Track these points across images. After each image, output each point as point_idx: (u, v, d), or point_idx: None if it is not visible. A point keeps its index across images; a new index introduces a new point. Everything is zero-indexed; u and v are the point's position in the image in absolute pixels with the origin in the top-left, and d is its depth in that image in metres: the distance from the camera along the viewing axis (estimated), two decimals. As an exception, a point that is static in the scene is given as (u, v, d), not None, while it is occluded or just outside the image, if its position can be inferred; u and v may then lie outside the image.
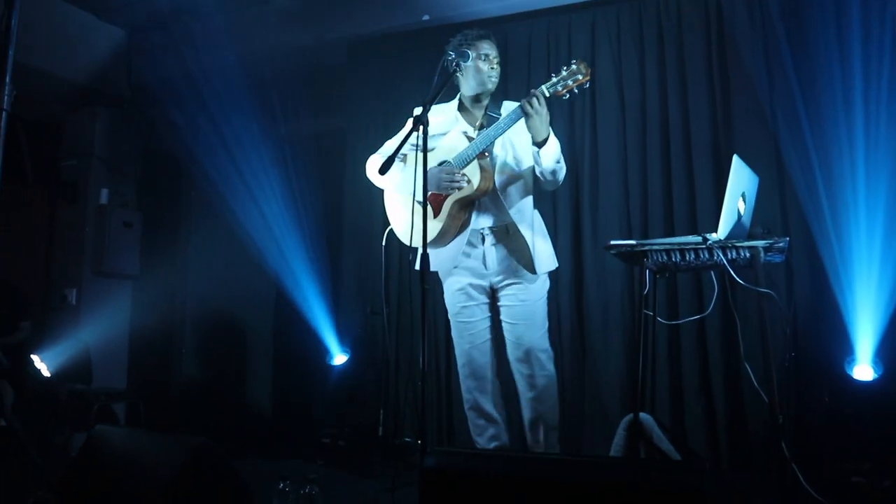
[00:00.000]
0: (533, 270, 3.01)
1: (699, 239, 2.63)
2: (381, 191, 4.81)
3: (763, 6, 3.79)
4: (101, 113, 5.60)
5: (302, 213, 5.10)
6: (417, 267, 3.13)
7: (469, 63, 2.99)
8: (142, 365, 5.55)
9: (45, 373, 4.64)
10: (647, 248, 2.72)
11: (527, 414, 3.10)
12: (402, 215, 3.16)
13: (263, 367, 5.26)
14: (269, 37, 5.05)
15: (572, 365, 4.06)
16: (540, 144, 2.84)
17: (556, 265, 3.16)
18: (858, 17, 3.44)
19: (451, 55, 2.88)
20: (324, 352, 4.62)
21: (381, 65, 4.96)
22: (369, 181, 4.87)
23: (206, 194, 5.40)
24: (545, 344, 3.08)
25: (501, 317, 3.10)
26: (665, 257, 2.71)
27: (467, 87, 3.10)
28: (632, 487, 1.94)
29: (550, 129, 2.87)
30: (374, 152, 3.26)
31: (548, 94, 2.79)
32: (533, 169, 3.02)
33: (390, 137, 3.11)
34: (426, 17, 4.71)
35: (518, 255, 3.03)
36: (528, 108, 2.77)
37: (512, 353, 3.08)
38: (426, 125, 2.60)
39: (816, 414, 3.44)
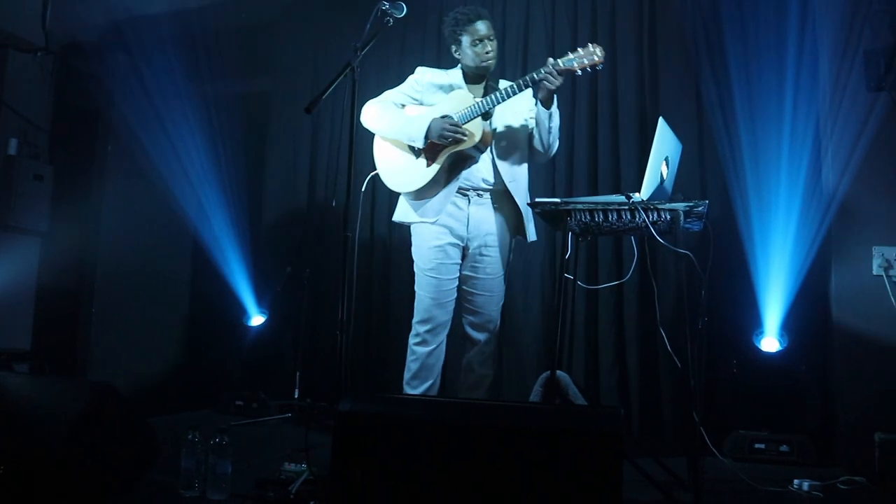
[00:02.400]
0: (525, 236, 3.19)
1: (622, 198, 2.67)
2: (306, 150, 4.82)
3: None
4: (13, 57, 5.26)
5: (224, 171, 4.97)
6: (396, 218, 3.26)
7: (464, 44, 3.13)
8: (48, 325, 5.29)
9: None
10: (570, 206, 2.74)
11: (469, 377, 3.21)
12: (392, 161, 3.20)
13: (178, 327, 5.11)
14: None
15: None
16: (548, 106, 3.00)
17: (535, 238, 3.29)
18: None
19: (384, 5, 2.82)
20: (241, 312, 4.54)
21: (313, 25, 4.91)
22: (293, 142, 4.86)
23: (123, 150, 5.19)
24: (499, 312, 3.24)
25: (464, 284, 3.19)
26: (588, 217, 2.74)
27: (466, 65, 3.20)
28: (548, 430, 1.96)
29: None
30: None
31: (562, 67, 2.89)
32: (528, 140, 3.17)
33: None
34: (362, -24, 4.63)
35: (508, 221, 3.17)
36: (548, 77, 2.88)
37: (469, 318, 3.20)
38: (356, 69, 2.60)
39: (724, 381, 3.57)
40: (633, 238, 3.11)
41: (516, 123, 3.16)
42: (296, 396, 4.25)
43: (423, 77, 3.26)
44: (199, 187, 4.98)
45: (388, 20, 2.79)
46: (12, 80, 5.26)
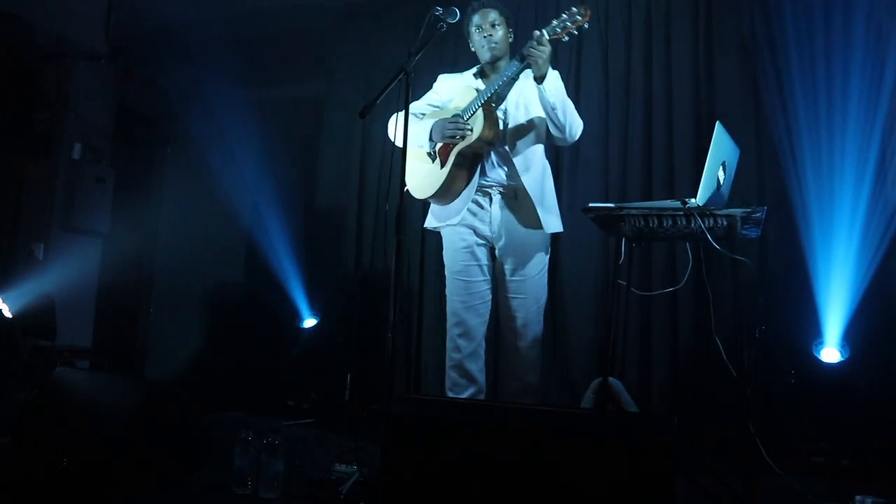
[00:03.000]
0: (539, 226, 3.00)
1: (678, 204, 2.62)
2: (357, 155, 4.87)
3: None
4: (78, 65, 5.47)
5: (278, 175, 5.06)
6: (426, 225, 3.22)
7: (473, 35, 3.11)
8: (109, 323, 5.46)
9: (7, 313, 4.53)
10: (625, 211, 2.70)
11: (514, 384, 3.10)
12: (414, 170, 3.16)
13: (232, 328, 5.20)
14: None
15: (543, 331, 4.06)
16: (540, 80, 2.86)
17: (562, 229, 3.12)
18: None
19: (438, 10, 2.84)
20: (294, 314, 4.60)
21: (366, 30, 4.96)
22: (346, 146, 4.91)
23: (181, 153, 5.33)
24: (540, 317, 3.09)
25: (499, 288, 3.10)
26: (642, 222, 2.69)
27: (480, 58, 3.17)
28: (599, 437, 1.93)
29: (550, 66, 2.88)
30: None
31: (548, 37, 2.80)
32: (544, 127, 3.06)
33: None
34: (414, -18, 4.67)
35: (524, 215, 3.03)
36: (530, 49, 2.80)
37: (506, 324, 3.09)
38: (410, 74, 2.60)
39: (782, 391, 3.47)
40: (687, 244, 3.05)
41: (531, 107, 3.06)
42: (346, 398, 4.29)
43: (443, 84, 3.25)
44: (254, 190, 5.08)
45: (442, 25, 2.79)
46: (77, 87, 5.45)
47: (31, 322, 4.75)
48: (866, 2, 3.42)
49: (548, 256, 3.13)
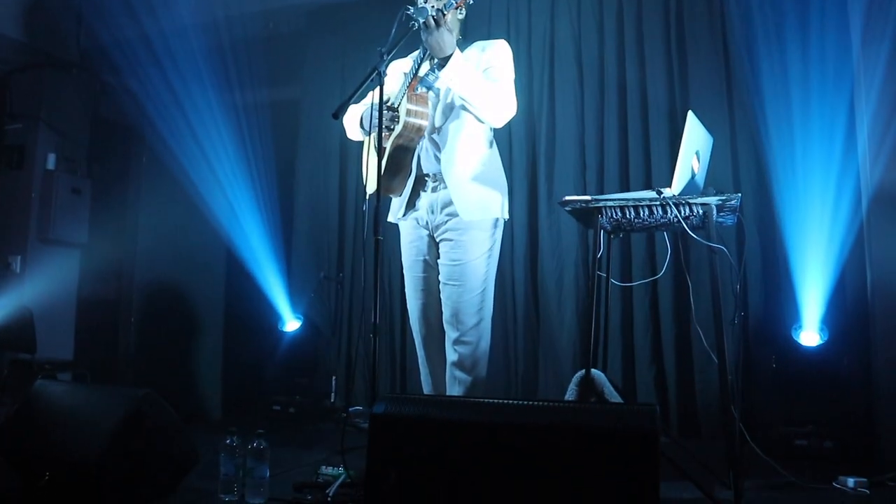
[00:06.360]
0: (464, 215, 2.80)
1: (653, 194, 2.64)
2: (336, 156, 4.87)
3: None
4: (50, 75, 5.39)
5: (256, 180, 5.04)
6: (391, 218, 3.06)
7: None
8: (89, 334, 5.40)
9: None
10: (601, 203, 2.71)
11: (453, 382, 2.87)
12: (366, 163, 3.03)
13: (214, 335, 5.17)
14: (228, 1, 4.96)
15: (526, 326, 4.12)
16: (441, 64, 2.72)
17: (499, 216, 2.90)
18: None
19: (409, 9, 2.83)
20: (276, 318, 4.59)
21: (340, 33, 4.97)
22: (323, 148, 4.90)
23: (157, 161, 5.28)
24: (476, 307, 2.84)
25: (439, 275, 2.91)
26: (619, 213, 2.71)
27: None
28: (583, 429, 1.93)
29: (457, 49, 2.72)
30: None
31: (435, 15, 2.65)
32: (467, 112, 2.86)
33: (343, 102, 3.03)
34: (387, -15, 4.66)
35: (449, 202, 2.84)
36: (424, 37, 2.68)
37: (444, 313, 2.88)
38: (383, 75, 2.59)
39: (763, 376, 3.51)
40: (665, 234, 3.07)
41: (450, 97, 2.86)
42: (332, 401, 4.29)
43: (391, 69, 2.98)
44: (232, 196, 5.04)
45: (413, 24, 2.77)
46: (51, 97, 5.39)
47: (9, 335, 4.69)
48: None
49: (492, 243, 2.89)
